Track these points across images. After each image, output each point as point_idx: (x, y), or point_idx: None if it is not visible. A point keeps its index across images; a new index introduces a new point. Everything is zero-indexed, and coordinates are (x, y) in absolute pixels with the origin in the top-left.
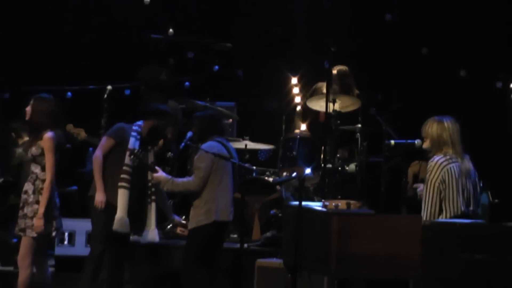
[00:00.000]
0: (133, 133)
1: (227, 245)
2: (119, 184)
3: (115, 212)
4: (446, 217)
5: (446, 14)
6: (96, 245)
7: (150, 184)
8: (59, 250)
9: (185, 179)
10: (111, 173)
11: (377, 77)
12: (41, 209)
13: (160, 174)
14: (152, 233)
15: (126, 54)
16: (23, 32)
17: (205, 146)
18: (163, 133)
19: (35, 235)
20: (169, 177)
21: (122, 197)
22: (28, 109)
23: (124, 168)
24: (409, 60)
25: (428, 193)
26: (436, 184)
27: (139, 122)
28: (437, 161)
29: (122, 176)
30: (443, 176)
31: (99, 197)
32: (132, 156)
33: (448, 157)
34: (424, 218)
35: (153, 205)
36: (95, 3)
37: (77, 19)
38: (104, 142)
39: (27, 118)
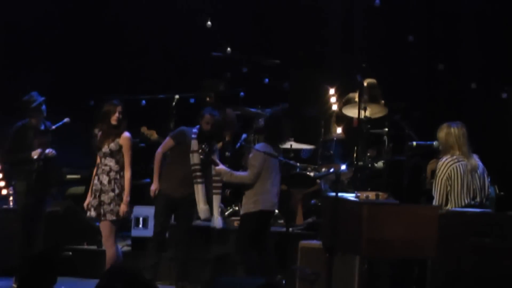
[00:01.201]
0: (193, 135)
1: (275, 229)
2: (195, 180)
3: (169, 200)
4: (451, 207)
5: (458, 35)
6: (156, 226)
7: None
8: (134, 232)
9: (242, 173)
10: (169, 168)
11: (401, 89)
12: (126, 198)
13: (221, 167)
14: (216, 221)
15: (191, 68)
16: (106, 49)
17: (258, 146)
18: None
19: (114, 218)
20: (228, 170)
21: (199, 191)
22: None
23: (194, 167)
24: (428, 74)
25: (436, 187)
26: (443, 180)
27: (198, 126)
28: (444, 161)
29: (194, 174)
30: (449, 173)
31: (152, 187)
32: (200, 151)
33: (454, 157)
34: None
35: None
36: (165, 27)
37: (152, 40)
38: (166, 142)
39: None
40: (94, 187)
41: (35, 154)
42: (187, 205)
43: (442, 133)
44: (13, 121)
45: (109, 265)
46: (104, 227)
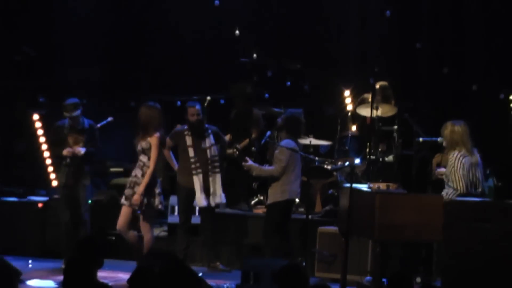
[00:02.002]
0: (186, 132)
1: (297, 216)
2: (193, 172)
3: (187, 191)
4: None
5: (461, 43)
6: (180, 217)
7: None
8: (170, 219)
9: (269, 167)
10: (180, 163)
11: (409, 90)
12: (141, 188)
13: (250, 163)
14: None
15: (222, 72)
16: (146, 53)
17: (283, 142)
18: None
19: (152, 210)
20: (257, 165)
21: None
22: (140, 113)
23: (192, 159)
24: (433, 77)
25: (457, 178)
26: (461, 170)
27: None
28: (456, 155)
29: (195, 165)
30: (462, 166)
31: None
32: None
33: (462, 153)
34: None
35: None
36: (200, 35)
37: (188, 46)
38: (167, 142)
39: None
40: (130, 179)
41: (65, 152)
42: (213, 197)
43: (447, 131)
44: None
45: (147, 248)
46: (142, 217)
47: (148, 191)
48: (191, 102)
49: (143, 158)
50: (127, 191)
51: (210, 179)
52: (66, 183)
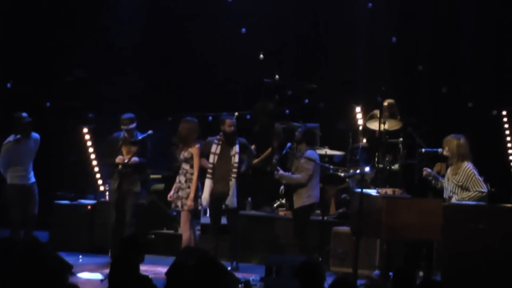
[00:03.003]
0: (215, 141)
1: (313, 217)
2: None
3: (215, 196)
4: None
5: (458, 65)
6: (211, 220)
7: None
8: (203, 220)
9: (297, 175)
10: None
11: (413, 107)
12: (192, 194)
13: (281, 172)
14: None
15: (248, 91)
16: (181, 74)
17: (308, 153)
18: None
19: (189, 209)
20: (287, 174)
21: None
22: (180, 127)
23: (210, 165)
24: (434, 95)
25: (479, 183)
26: (478, 177)
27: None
28: (469, 166)
29: (209, 171)
30: (476, 173)
31: None
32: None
33: (470, 163)
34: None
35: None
36: (229, 58)
37: (218, 67)
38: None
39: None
40: (175, 185)
41: (118, 160)
42: (228, 198)
43: (452, 144)
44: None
45: (184, 245)
46: (182, 216)
47: (185, 194)
48: (227, 114)
49: (185, 166)
50: (174, 196)
51: (230, 183)
52: (118, 189)
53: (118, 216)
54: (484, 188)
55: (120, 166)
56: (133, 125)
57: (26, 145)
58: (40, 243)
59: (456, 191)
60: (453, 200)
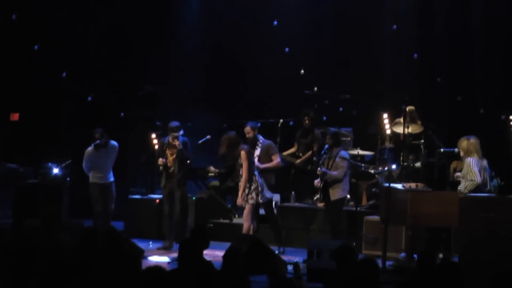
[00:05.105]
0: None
1: (348, 208)
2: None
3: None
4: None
5: (472, 77)
6: None
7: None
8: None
9: (335, 172)
10: None
11: (432, 113)
12: (241, 191)
13: (325, 170)
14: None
15: (291, 101)
16: (237, 90)
17: (344, 153)
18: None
19: (253, 202)
20: (328, 171)
21: None
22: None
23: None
24: (450, 103)
25: (475, 173)
26: (475, 168)
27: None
28: (470, 159)
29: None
30: (473, 164)
31: None
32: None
33: (475, 158)
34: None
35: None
36: (278, 75)
37: (267, 82)
38: None
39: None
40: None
41: (159, 162)
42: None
43: (463, 143)
44: None
45: (245, 233)
46: (246, 208)
47: (247, 190)
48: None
49: (239, 168)
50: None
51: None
52: (166, 186)
53: (170, 209)
54: (477, 178)
55: (161, 167)
56: (180, 132)
57: (104, 152)
58: (117, 231)
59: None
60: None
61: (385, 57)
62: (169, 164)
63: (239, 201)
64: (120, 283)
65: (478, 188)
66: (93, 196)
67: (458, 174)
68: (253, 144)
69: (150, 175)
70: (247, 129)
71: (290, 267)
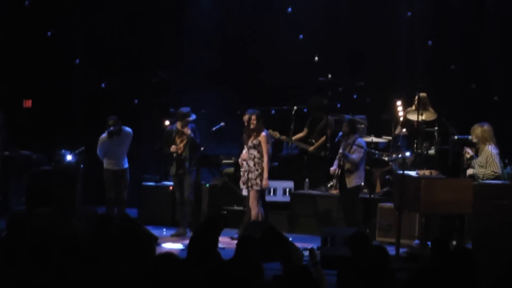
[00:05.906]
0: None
1: (362, 195)
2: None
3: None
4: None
5: (486, 65)
6: None
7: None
8: (268, 198)
9: (353, 156)
10: None
11: (446, 100)
12: (266, 175)
13: (346, 153)
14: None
15: (305, 88)
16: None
17: (361, 140)
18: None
19: (258, 188)
20: (348, 154)
21: None
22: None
23: None
24: (464, 90)
25: (493, 164)
26: (496, 159)
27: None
28: (490, 148)
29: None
30: (495, 155)
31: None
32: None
33: (492, 145)
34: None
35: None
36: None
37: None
38: None
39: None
40: (243, 169)
41: (172, 149)
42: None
43: (478, 130)
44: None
45: (253, 220)
46: (251, 195)
47: (259, 176)
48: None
49: (253, 151)
50: (243, 179)
51: None
52: (176, 173)
53: (181, 196)
54: (499, 170)
55: (175, 154)
56: (191, 118)
57: (118, 139)
58: (131, 218)
59: (476, 169)
60: (468, 172)
61: (399, 44)
62: (179, 151)
63: (265, 183)
64: (134, 270)
65: (496, 178)
66: (107, 182)
67: (468, 151)
68: (258, 133)
69: (163, 162)
70: (252, 117)
71: (305, 253)
